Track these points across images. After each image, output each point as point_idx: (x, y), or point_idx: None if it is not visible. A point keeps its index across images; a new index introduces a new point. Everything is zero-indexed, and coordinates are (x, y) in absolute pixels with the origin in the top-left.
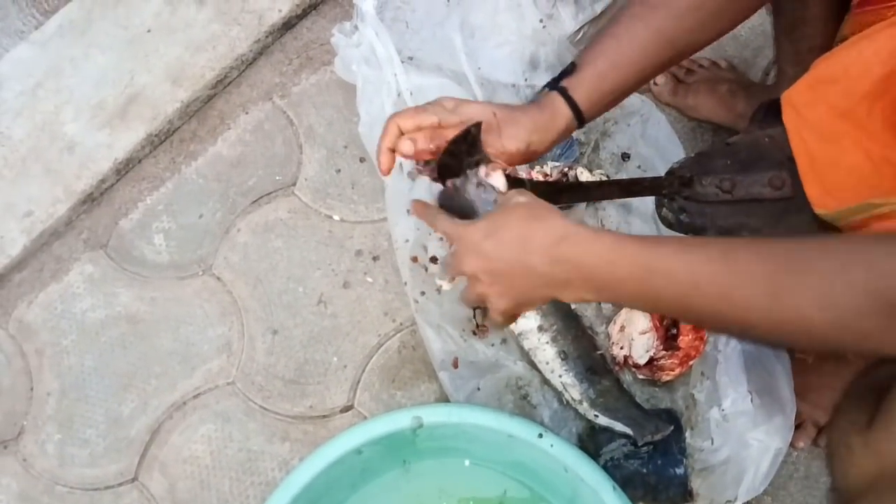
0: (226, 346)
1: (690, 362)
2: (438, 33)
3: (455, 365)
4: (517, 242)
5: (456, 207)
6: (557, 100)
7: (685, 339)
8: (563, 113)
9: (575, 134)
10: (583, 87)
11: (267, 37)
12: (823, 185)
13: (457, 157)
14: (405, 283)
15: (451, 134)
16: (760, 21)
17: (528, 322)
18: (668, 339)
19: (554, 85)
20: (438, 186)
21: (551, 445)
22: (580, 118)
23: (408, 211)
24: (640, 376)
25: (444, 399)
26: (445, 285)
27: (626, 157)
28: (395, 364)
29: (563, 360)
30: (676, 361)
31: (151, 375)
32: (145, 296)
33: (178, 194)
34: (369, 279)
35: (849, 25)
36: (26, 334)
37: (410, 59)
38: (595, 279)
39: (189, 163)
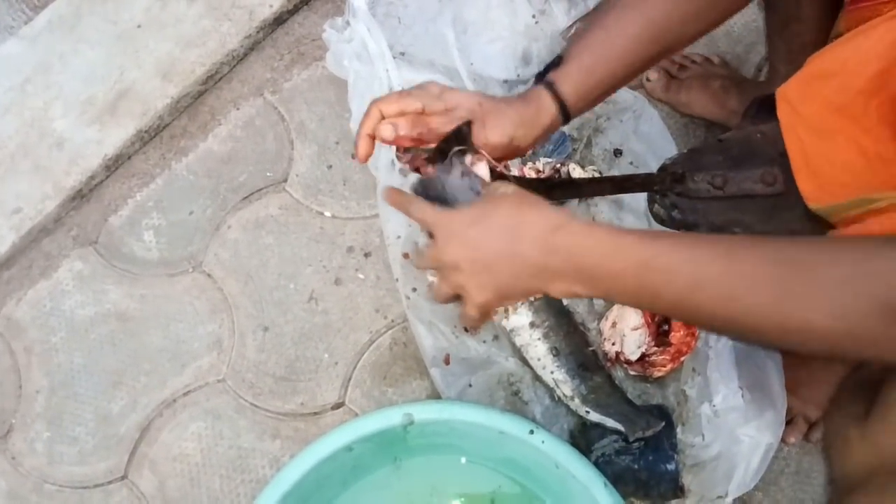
0: (216, 343)
1: (682, 358)
2: (431, 29)
3: (447, 361)
4: (507, 230)
5: (434, 197)
6: (543, 95)
7: (677, 335)
8: (549, 108)
9: (567, 130)
10: (570, 80)
11: (258, 32)
12: (817, 181)
13: (446, 155)
14: (397, 280)
15: (434, 122)
16: (753, 17)
17: (520, 318)
18: (660, 335)
19: (541, 78)
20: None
21: (542, 442)
22: (566, 114)
23: (409, 223)
24: (632, 372)
25: (435, 396)
26: None
27: (618, 153)
28: (386, 361)
29: (554, 356)
30: (668, 357)
31: (141, 373)
32: (135, 293)
33: (168, 191)
34: (361, 276)
35: (844, 22)
36: (15, 332)
37: (402, 54)
38: (588, 272)
39: (179, 159)
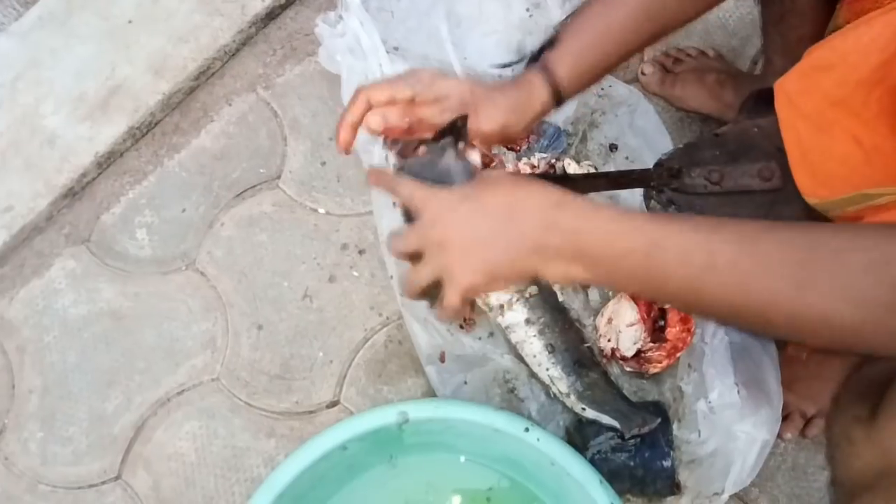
0: (210, 341)
1: (678, 354)
2: (424, 23)
3: (442, 359)
4: (504, 206)
5: (423, 179)
6: (536, 79)
7: (672, 330)
8: (541, 92)
9: (562, 125)
10: (564, 62)
11: (250, 27)
12: (814, 175)
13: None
14: (391, 277)
15: (424, 111)
16: (749, 10)
17: (516, 315)
18: (656, 330)
19: (535, 58)
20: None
21: (538, 439)
22: (558, 97)
23: (394, 203)
24: (628, 369)
25: (431, 393)
26: None
27: (613, 147)
28: (381, 358)
29: (550, 353)
30: (664, 353)
31: (135, 372)
32: (128, 291)
33: (160, 188)
34: (355, 273)
35: (844, 14)
36: (7, 331)
37: (396, 49)
38: (590, 252)
39: (172, 156)
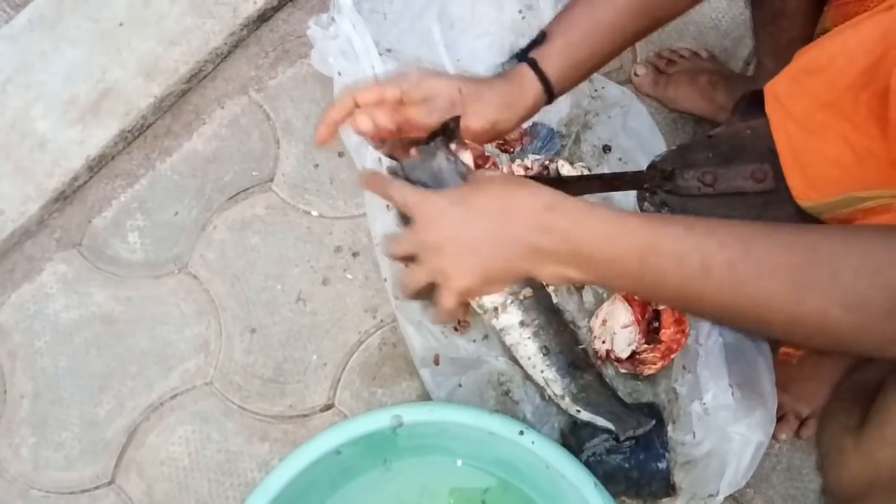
0: (203, 345)
1: (672, 356)
2: (417, 25)
3: (436, 362)
4: (498, 208)
5: (415, 181)
6: (526, 73)
7: (667, 332)
8: (532, 87)
9: (555, 126)
10: (554, 58)
11: (242, 29)
12: (806, 178)
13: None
14: (385, 280)
15: (413, 112)
16: (741, 11)
17: (510, 317)
18: (650, 332)
19: (523, 56)
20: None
21: (532, 442)
22: (550, 93)
23: (388, 206)
24: (623, 370)
25: (425, 396)
26: None
27: (607, 149)
28: (375, 361)
29: (545, 355)
30: (658, 355)
31: (127, 376)
32: (120, 295)
33: (152, 191)
34: (349, 276)
35: (830, 17)
36: None
37: (388, 51)
38: (585, 253)
39: (163, 159)
